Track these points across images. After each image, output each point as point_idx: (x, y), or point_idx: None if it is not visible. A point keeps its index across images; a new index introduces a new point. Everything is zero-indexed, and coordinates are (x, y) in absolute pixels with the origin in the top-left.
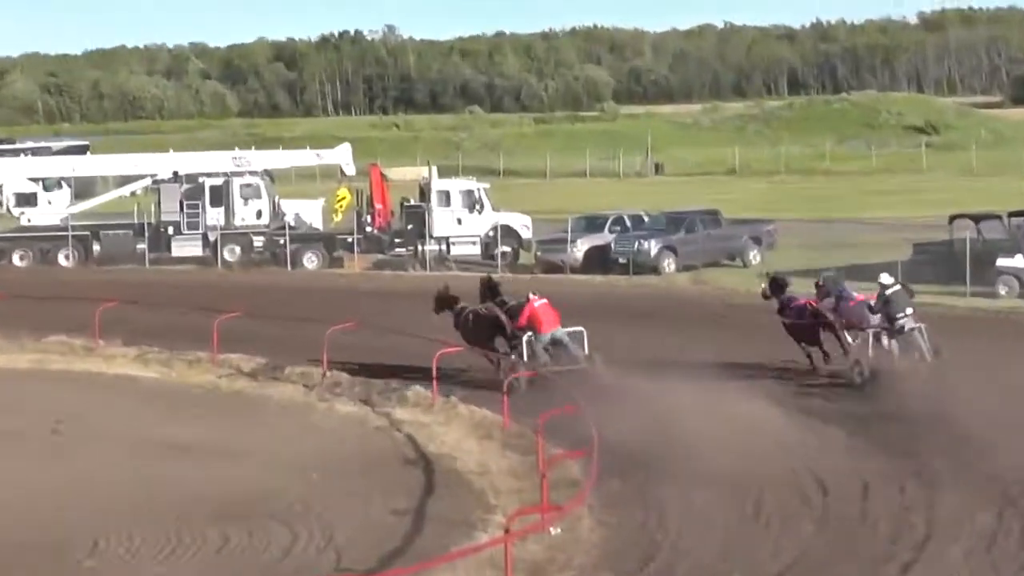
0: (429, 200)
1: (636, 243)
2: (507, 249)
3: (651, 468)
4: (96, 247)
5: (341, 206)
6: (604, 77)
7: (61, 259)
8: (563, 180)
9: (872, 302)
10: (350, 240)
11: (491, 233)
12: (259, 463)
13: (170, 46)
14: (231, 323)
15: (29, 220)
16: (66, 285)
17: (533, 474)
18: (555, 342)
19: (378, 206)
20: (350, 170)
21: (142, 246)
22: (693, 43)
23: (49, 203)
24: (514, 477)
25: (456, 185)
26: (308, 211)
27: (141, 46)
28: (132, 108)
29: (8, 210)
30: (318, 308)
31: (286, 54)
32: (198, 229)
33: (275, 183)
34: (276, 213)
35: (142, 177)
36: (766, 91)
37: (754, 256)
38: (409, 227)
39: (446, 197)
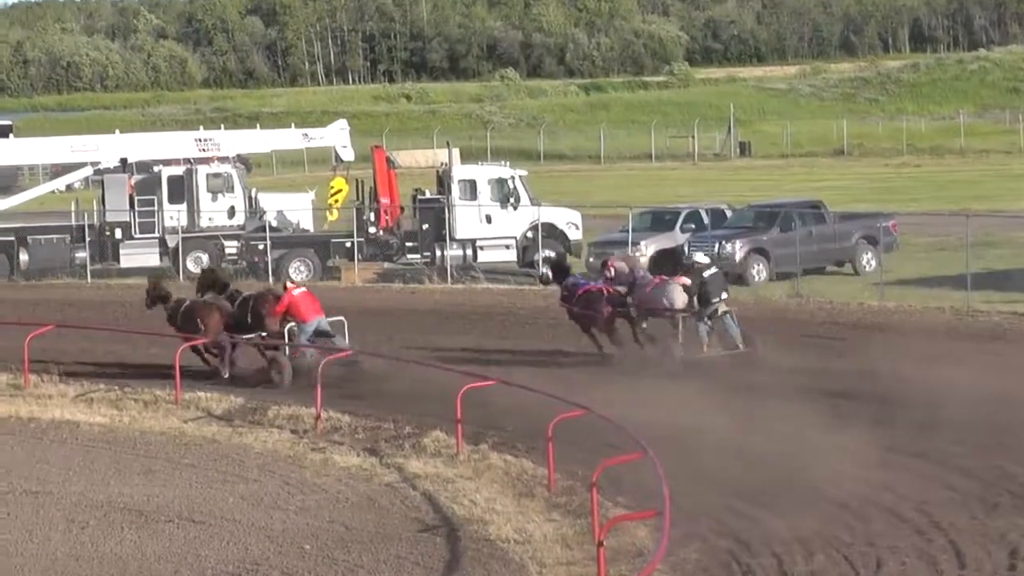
0: (450, 192)
1: (716, 245)
2: (550, 254)
3: (735, 528)
4: (23, 257)
5: (336, 201)
6: (673, 32)
7: None
8: (621, 165)
9: (665, 283)
10: (348, 244)
11: (530, 234)
12: (235, 531)
13: None
14: None
15: None
16: None
17: (587, 541)
18: (320, 333)
19: (384, 200)
20: (347, 154)
21: (82, 255)
22: None
23: None
24: (563, 545)
25: (484, 173)
26: (294, 208)
27: None
28: (67, 77)
29: None
30: None
31: (264, 7)
32: (154, 232)
33: (251, 172)
34: (253, 211)
35: (81, 166)
36: (882, 48)
37: (868, 260)
38: (424, 227)
39: (471, 188)
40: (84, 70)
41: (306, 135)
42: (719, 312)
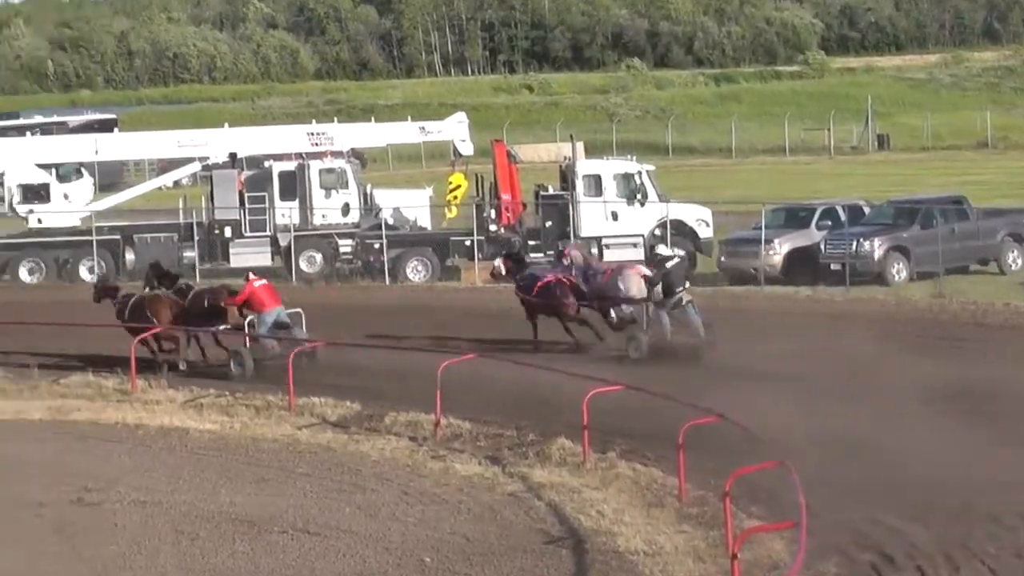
0: (574, 188)
1: (854, 243)
2: (680, 252)
3: (876, 539)
4: (129, 256)
5: (455, 197)
6: (807, 19)
7: (83, 272)
8: (754, 159)
9: (618, 272)
10: (468, 243)
11: (658, 231)
12: (352, 543)
13: None
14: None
15: (40, 221)
16: (91, 307)
17: (720, 554)
18: (279, 325)
19: (505, 196)
20: (466, 149)
21: (190, 254)
22: None
23: (66, 198)
24: (695, 558)
25: (610, 167)
26: (412, 204)
27: None
28: (173, 69)
29: (11, 208)
30: (424, 333)
31: None
32: (265, 230)
33: (366, 167)
34: (369, 208)
35: (188, 161)
36: None
37: (1015, 259)
38: (547, 224)
39: (596, 184)
40: (191, 61)
41: (423, 128)
42: (682, 302)
